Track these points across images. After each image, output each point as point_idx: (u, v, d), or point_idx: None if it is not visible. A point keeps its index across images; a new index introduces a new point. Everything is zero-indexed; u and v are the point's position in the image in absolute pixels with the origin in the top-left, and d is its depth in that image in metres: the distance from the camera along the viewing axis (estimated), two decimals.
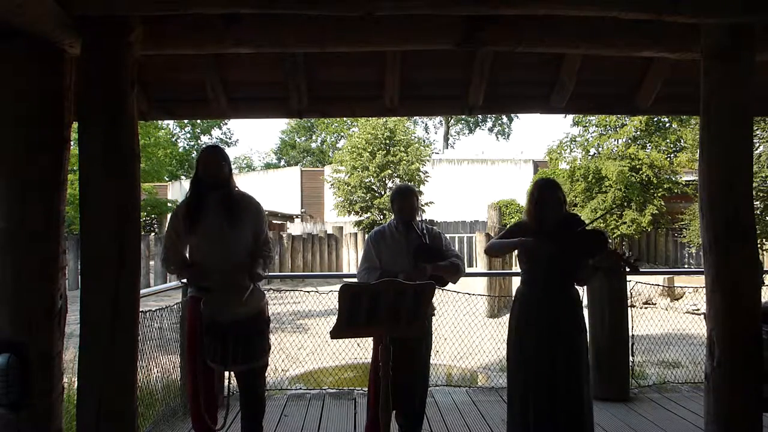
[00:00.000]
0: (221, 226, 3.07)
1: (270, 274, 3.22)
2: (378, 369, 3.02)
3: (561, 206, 3.10)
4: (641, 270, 3.16)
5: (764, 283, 3.21)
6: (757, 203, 13.18)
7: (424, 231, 3.37)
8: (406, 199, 3.37)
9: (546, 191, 3.12)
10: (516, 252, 3.24)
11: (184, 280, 3.55)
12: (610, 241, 3.77)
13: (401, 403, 3.24)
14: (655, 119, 17.82)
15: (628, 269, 3.06)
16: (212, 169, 3.11)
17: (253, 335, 3.02)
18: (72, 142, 2.63)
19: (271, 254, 3.26)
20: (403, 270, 3.20)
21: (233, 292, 2.97)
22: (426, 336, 3.36)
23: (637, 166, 17.39)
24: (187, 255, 3.23)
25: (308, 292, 6.39)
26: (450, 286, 3.53)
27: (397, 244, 3.34)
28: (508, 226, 3.42)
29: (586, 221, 3.15)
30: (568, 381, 2.95)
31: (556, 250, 3.00)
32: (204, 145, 3.32)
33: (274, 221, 20.82)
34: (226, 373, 3.22)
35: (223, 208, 3.08)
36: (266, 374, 3.38)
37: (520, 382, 3.04)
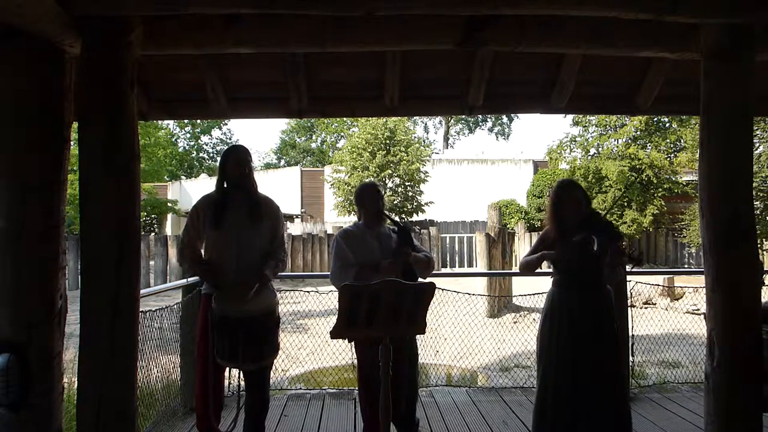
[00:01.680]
0: (240, 225, 3.10)
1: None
2: (363, 372, 3.03)
3: (580, 205, 3.11)
4: (641, 270, 3.17)
5: (764, 283, 3.21)
6: (757, 203, 13.19)
7: (392, 227, 3.37)
8: (376, 194, 3.39)
9: (563, 192, 3.15)
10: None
11: (196, 277, 3.56)
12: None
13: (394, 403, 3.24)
14: (655, 119, 17.85)
15: (633, 264, 3.07)
16: (243, 169, 3.16)
17: (263, 333, 3.03)
18: (72, 142, 2.63)
19: (284, 258, 3.28)
20: (381, 259, 3.18)
21: (244, 289, 3.00)
22: (412, 340, 3.35)
23: (637, 166, 17.41)
24: (203, 251, 3.25)
25: (308, 292, 6.39)
26: (450, 285, 3.54)
27: (367, 240, 3.33)
28: (541, 233, 3.44)
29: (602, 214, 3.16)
30: (598, 380, 2.96)
31: (577, 255, 2.99)
32: (232, 145, 3.32)
33: None
34: (227, 374, 3.23)
35: (245, 207, 3.12)
36: None
37: (551, 382, 3.05)
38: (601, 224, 3.08)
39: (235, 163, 3.16)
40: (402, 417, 3.36)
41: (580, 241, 2.95)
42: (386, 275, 2.95)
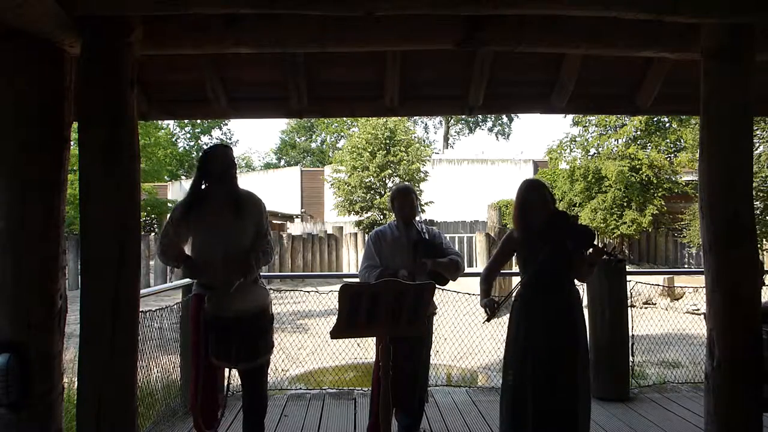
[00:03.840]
0: (223, 221, 3.08)
1: (270, 273, 3.23)
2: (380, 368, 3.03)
3: (545, 205, 3.08)
4: (641, 270, 3.16)
5: (764, 283, 3.21)
6: (757, 203, 13.18)
7: (424, 230, 3.40)
8: (406, 198, 3.44)
9: (528, 193, 3.11)
10: (516, 254, 3.24)
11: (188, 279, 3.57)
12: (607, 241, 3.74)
13: (402, 401, 3.25)
14: (655, 119, 17.82)
15: (614, 262, 3.06)
16: (224, 166, 3.14)
17: (257, 332, 3.02)
18: (72, 142, 2.63)
19: (270, 249, 3.23)
20: (404, 266, 3.23)
21: (236, 289, 2.98)
22: (426, 335, 3.36)
23: (637, 166, 17.40)
24: (189, 250, 3.23)
25: (308, 292, 6.38)
26: (450, 285, 3.54)
27: (398, 242, 3.37)
28: (502, 238, 3.42)
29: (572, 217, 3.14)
30: (564, 381, 2.94)
31: (547, 256, 2.96)
32: (210, 145, 3.29)
33: (275, 221, 20.81)
34: (226, 373, 3.22)
35: (227, 203, 3.10)
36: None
37: (517, 383, 3.03)
38: (569, 223, 3.06)
39: (216, 161, 3.13)
40: (414, 412, 3.38)
41: (552, 243, 2.94)
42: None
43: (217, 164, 3.12)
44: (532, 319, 3.03)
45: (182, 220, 3.12)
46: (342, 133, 37.38)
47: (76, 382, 2.44)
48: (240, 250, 3.07)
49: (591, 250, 3.02)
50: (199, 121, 34.36)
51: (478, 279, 3.34)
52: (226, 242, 3.06)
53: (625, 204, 17.54)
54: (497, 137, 43.51)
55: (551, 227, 3.01)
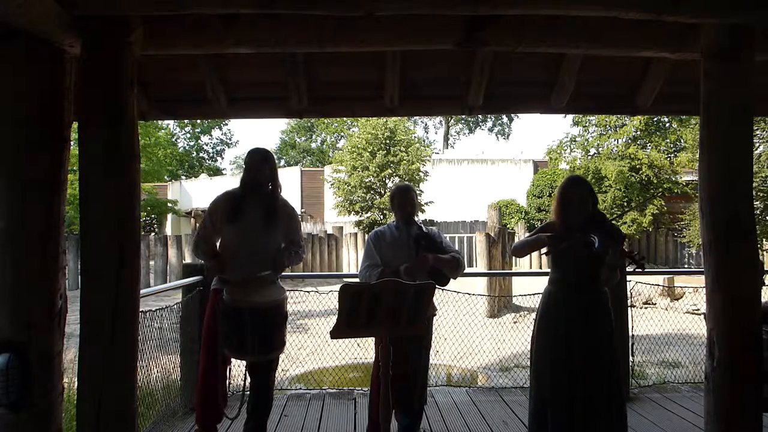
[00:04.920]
0: (256, 225, 3.20)
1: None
2: (380, 368, 3.03)
3: (585, 204, 3.08)
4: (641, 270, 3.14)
5: (764, 283, 3.21)
6: (757, 203, 13.19)
7: (425, 229, 3.42)
8: (406, 196, 3.45)
9: (568, 190, 3.13)
10: (544, 251, 3.24)
11: (197, 277, 3.76)
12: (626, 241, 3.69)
13: (401, 401, 3.25)
14: (655, 119, 17.86)
15: (635, 267, 3.05)
16: (256, 172, 3.28)
17: (271, 326, 3.07)
18: (72, 142, 2.64)
19: (301, 253, 3.39)
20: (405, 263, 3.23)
21: (255, 284, 3.08)
22: (426, 336, 3.36)
23: (637, 166, 17.42)
24: (218, 246, 3.34)
25: (308, 292, 6.37)
26: (450, 285, 3.54)
27: (398, 241, 3.38)
28: (538, 225, 3.40)
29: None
30: (591, 380, 2.93)
31: (577, 248, 2.95)
32: (253, 147, 3.42)
33: None
34: (227, 374, 3.24)
35: (261, 208, 3.23)
36: None
37: (545, 382, 3.03)
38: (604, 225, 3.06)
39: (248, 167, 3.30)
40: (413, 412, 3.38)
41: (581, 241, 2.92)
42: (407, 279, 2.98)
43: (251, 172, 3.28)
44: (555, 318, 3.04)
45: (218, 216, 3.24)
46: (342, 133, 37.39)
47: (76, 382, 2.44)
48: (266, 254, 3.19)
49: (611, 251, 2.98)
50: (199, 121, 34.37)
51: (478, 279, 3.35)
52: (253, 244, 3.17)
53: (625, 204, 17.56)
54: (497, 137, 43.65)
55: (588, 228, 3.00)
